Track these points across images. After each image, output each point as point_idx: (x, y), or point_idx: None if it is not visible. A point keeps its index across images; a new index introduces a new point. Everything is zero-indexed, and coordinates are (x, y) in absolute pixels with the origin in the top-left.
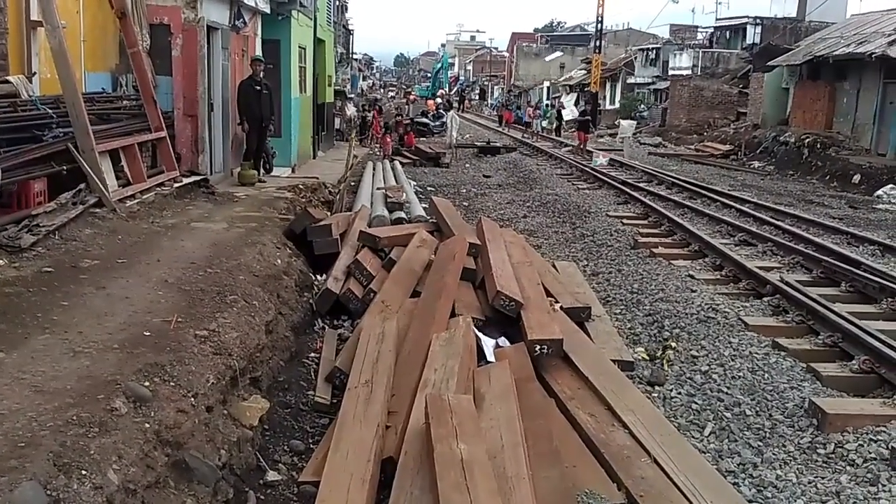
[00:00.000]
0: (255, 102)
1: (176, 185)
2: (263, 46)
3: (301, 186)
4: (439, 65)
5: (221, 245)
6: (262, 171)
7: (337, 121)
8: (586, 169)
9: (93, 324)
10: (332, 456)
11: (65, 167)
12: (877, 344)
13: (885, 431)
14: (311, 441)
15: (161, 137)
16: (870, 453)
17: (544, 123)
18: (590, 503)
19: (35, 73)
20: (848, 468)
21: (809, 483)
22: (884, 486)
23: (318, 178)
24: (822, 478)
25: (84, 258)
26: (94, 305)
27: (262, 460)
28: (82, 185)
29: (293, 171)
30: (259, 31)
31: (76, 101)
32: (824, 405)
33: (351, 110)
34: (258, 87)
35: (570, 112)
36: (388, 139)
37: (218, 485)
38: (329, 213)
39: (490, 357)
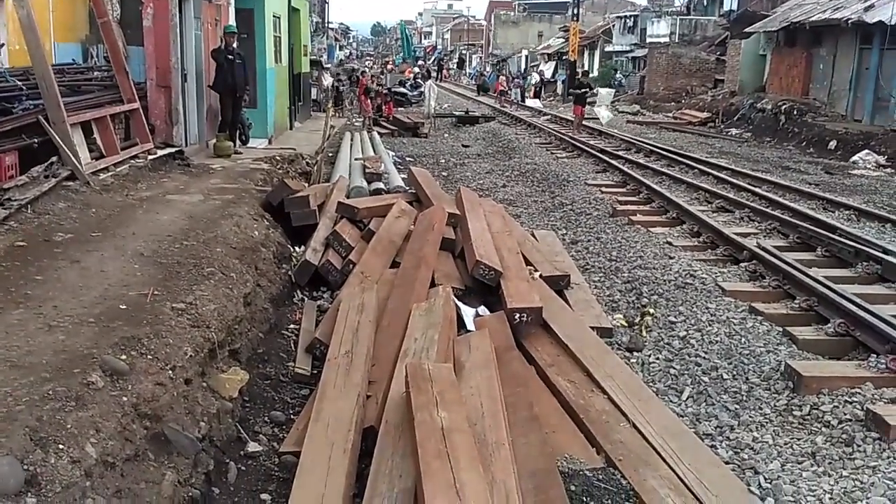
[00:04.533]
0: (228, 72)
1: (150, 157)
2: (237, 15)
3: (278, 158)
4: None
5: (197, 217)
6: (237, 142)
7: (314, 91)
8: (565, 138)
9: (67, 298)
10: (313, 426)
11: (36, 140)
12: (852, 307)
13: (859, 393)
14: (291, 412)
15: (134, 109)
16: (845, 414)
17: (528, 93)
18: (570, 468)
19: (3, 44)
20: (823, 429)
21: (786, 444)
22: (859, 446)
23: (294, 150)
24: (798, 439)
25: (57, 232)
26: (68, 279)
27: (242, 432)
28: (54, 158)
29: (270, 142)
30: (232, 0)
31: (46, 72)
32: (800, 368)
33: (328, 80)
34: (231, 57)
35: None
36: (368, 103)
37: (198, 457)
38: (306, 185)
39: (470, 326)
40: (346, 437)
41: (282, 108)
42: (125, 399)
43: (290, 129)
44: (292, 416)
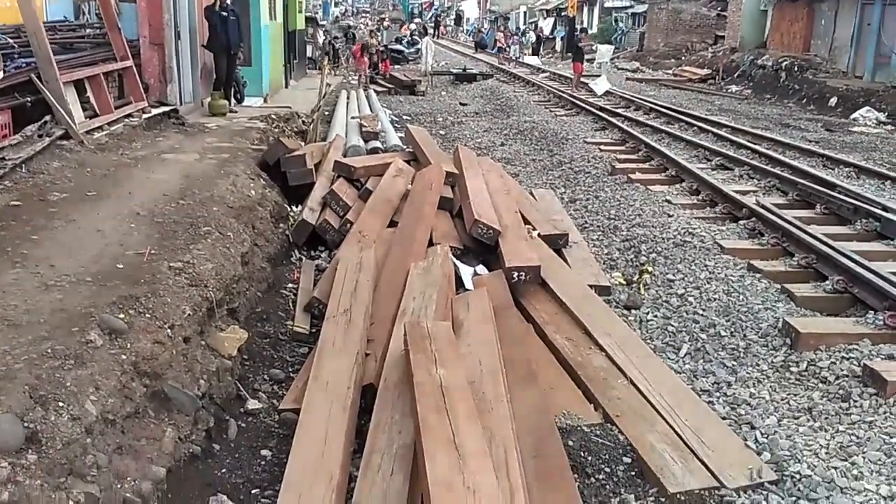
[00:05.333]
0: (222, 30)
1: (145, 115)
2: None
3: (273, 116)
4: None
5: (193, 176)
6: (233, 101)
7: (309, 49)
8: (564, 95)
9: (64, 257)
10: (313, 384)
11: (29, 99)
12: (850, 264)
13: (856, 349)
14: (290, 370)
15: (127, 67)
16: (842, 370)
17: (526, 50)
18: (568, 424)
19: None
20: (820, 385)
21: (782, 400)
22: (855, 401)
23: (290, 108)
24: (795, 395)
25: (52, 191)
26: (64, 239)
27: (242, 389)
28: (48, 117)
29: (265, 100)
30: None
31: (38, 29)
32: (798, 325)
33: (323, 38)
34: (225, 14)
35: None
36: (365, 61)
37: (198, 414)
38: (303, 144)
39: (468, 285)
40: (345, 394)
41: (277, 66)
42: (124, 357)
43: (286, 87)
44: (291, 374)
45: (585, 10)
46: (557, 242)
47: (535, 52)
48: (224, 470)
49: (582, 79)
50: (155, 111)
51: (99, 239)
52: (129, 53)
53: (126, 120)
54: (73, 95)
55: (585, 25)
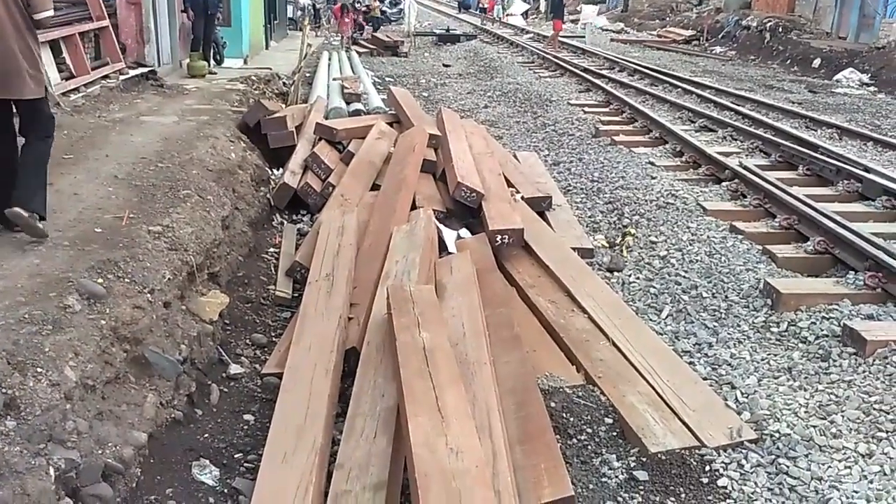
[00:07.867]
0: None
1: (122, 77)
2: None
3: (254, 78)
4: None
5: (172, 139)
6: (212, 62)
7: (290, 9)
8: (548, 57)
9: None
10: (295, 348)
11: None
12: (832, 225)
13: (837, 309)
14: (273, 335)
15: (103, 27)
16: (822, 330)
17: (509, 10)
18: (550, 385)
19: None
20: (800, 345)
21: (762, 360)
22: (834, 361)
23: (271, 69)
24: (775, 355)
25: None
26: None
27: (224, 354)
28: None
29: (245, 62)
30: None
31: None
32: (779, 285)
33: None
34: None
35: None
36: (346, 22)
37: (180, 379)
38: (284, 106)
39: (451, 248)
40: (328, 358)
41: (257, 27)
42: (103, 322)
43: (266, 48)
44: (274, 339)
45: None
46: (541, 205)
47: (525, 15)
48: (206, 435)
49: (560, 37)
50: (132, 72)
51: (76, 202)
52: (105, 13)
53: (103, 81)
54: (49, 56)
55: None
